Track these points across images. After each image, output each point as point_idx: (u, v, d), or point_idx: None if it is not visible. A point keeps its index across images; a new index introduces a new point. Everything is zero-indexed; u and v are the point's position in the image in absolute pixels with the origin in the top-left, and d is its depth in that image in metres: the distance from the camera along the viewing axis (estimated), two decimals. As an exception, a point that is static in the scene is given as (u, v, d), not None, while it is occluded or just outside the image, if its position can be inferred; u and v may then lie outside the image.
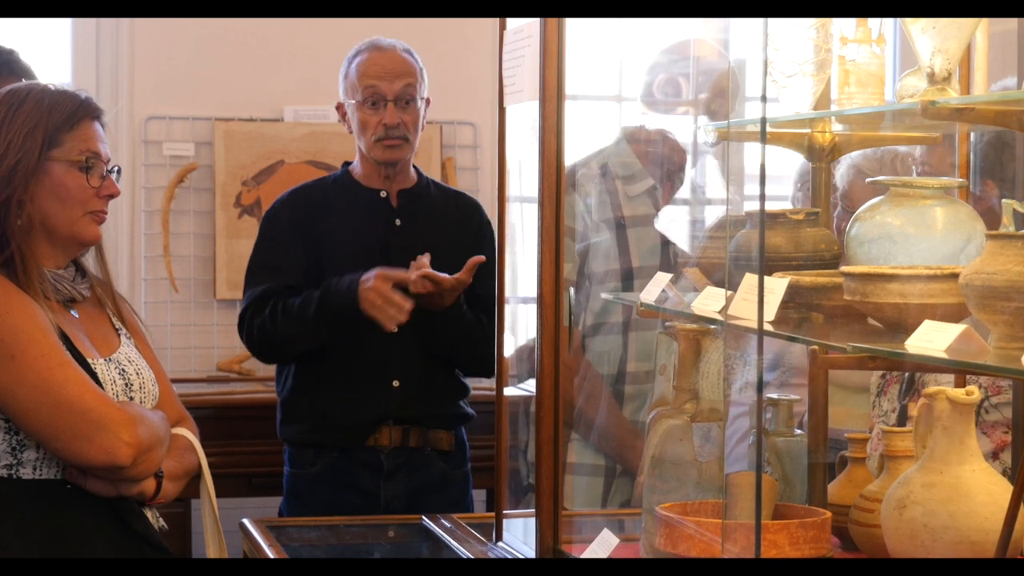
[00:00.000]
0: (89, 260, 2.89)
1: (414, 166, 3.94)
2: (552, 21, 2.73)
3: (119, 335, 2.86)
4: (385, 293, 3.63)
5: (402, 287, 3.65)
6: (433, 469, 3.87)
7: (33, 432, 2.67)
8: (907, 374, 3.12)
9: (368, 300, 3.65)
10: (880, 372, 3.22)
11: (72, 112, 2.76)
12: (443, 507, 3.63)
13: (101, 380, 2.72)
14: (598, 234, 3.87)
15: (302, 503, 3.84)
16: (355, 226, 3.84)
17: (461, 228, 3.92)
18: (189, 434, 2.88)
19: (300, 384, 3.85)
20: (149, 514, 2.81)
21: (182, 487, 2.83)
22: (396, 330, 3.65)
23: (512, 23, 2.94)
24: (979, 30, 2.53)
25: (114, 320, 2.87)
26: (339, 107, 3.91)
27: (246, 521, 3.32)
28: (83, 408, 2.63)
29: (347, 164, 3.95)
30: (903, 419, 3.11)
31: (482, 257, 3.67)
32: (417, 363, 3.82)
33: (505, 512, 3.05)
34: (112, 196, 2.80)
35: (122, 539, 2.74)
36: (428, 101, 3.88)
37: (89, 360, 2.73)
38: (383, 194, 3.87)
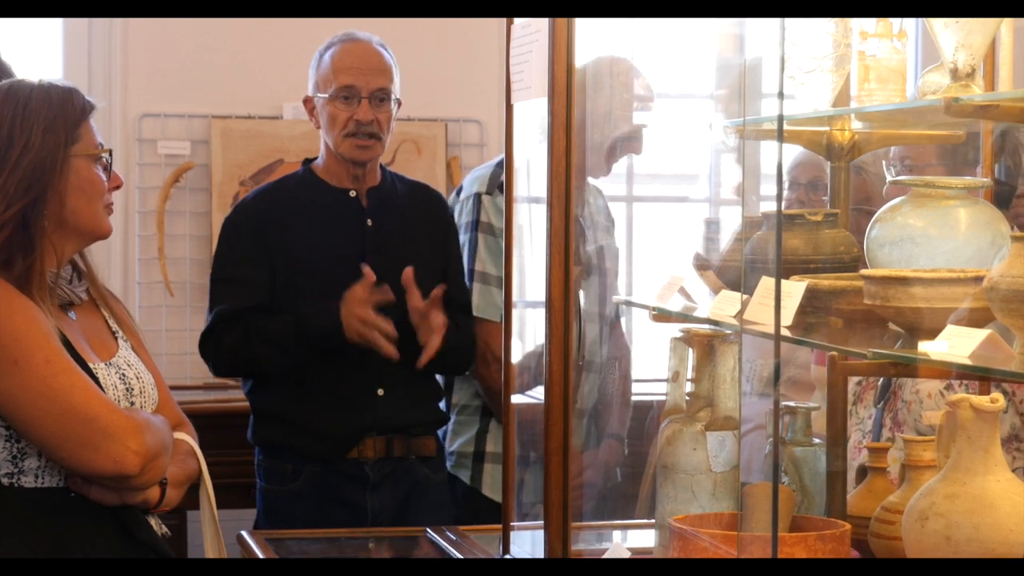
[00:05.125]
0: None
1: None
2: (561, 15, 2.69)
3: (116, 338, 2.81)
4: (367, 319, 3.58)
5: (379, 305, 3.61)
6: (417, 476, 3.78)
7: (37, 441, 2.61)
8: (881, 380, 3.09)
9: (354, 329, 3.59)
10: (856, 379, 3.19)
11: (82, 106, 2.73)
12: (429, 512, 3.59)
13: (103, 385, 2.67)
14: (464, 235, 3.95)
15: (282, 521, 3.68)
16: (327, 230, 3.73)
17: (430, 225, 3.84)
18: (189, 438, 2.83)
19: (277, 390, 3.74)
20: (152, 522, 2.77)
21: (184, 493, 2.78)
22: (399, 357, 3.59)
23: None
24: (1004, 24, 2.53)
25: (111, 323, 2.83)
26: (307, 101, 3.78)
27: (244, 533, 3.27)
28: (90, 416, 2.58)
29: (307, 161, 3.83)
30: (879, 426, 3.10)
31: (444, 285, 3.66)
32: (400, 370, 3.70)
33: (512, 524, 3.00)
34: (118, 187, 2.79)
35: (127, 547, 2.69)
36: (399, 103, 3.78)
37: (90, 365, 2.68)
38: (352, 194, 3.76)
